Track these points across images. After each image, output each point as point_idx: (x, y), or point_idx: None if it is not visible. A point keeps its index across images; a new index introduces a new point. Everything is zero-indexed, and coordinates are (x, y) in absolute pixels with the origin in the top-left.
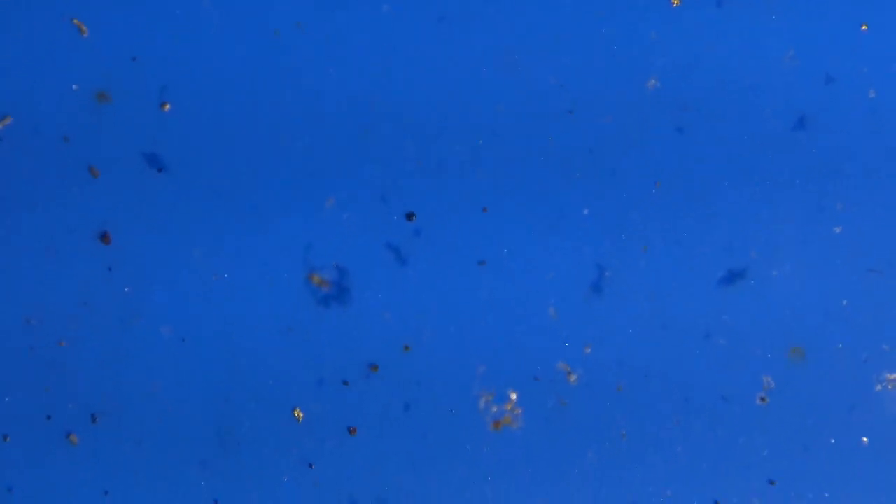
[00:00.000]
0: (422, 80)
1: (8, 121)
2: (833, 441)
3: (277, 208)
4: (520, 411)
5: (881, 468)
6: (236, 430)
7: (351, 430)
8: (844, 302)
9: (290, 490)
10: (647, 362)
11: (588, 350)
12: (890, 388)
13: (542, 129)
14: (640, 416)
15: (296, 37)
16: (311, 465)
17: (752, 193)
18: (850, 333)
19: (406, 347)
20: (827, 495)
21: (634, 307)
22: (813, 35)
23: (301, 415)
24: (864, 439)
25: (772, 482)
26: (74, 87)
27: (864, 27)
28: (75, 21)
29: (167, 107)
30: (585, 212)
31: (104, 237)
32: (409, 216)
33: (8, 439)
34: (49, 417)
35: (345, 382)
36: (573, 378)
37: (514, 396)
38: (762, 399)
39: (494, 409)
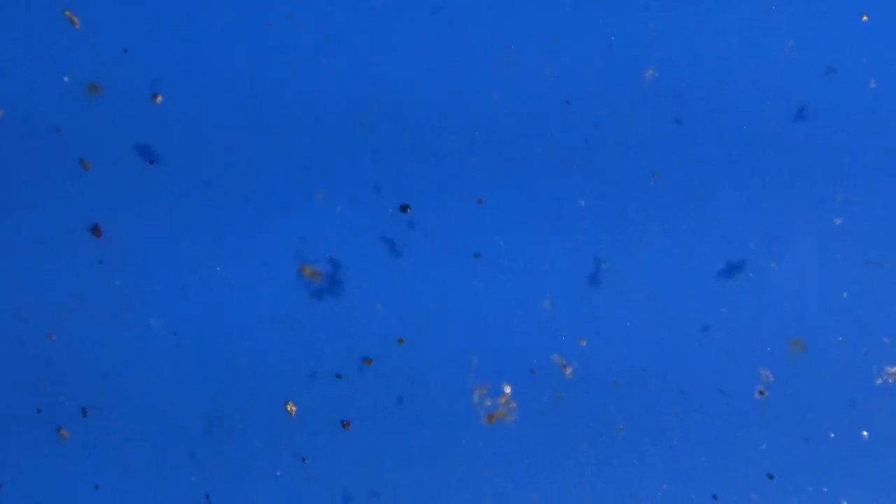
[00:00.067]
0: (416, 71)
1: None
2: (833, 435)
3: (270, 200)
4: (514, 405)
5: (881, 462)
6: (228, 423)
7: (344, 424)
8: (844, 294)
9: (283, 484)
10: (644, 356)
11: (584, 343)
12: (890, 381)
13: (539, 120)
14: (637, 410)
15: (289, 28)
16: (304, 460)
17: (751, 185)
18: (850, 326)
19: (400, 340)
20: (826, 490)
21: (631, 300)
22: (813, 26)
23: (294, 408)
24: (865, 433)
25: (771, 476)
26: (66, 79)
27: (864, 17)
28: (67, 13)
29: (159, 99)
30: (582, 203)
31: (95, 230)
32: (404, 208)
33: None
34: (39, 411)
35: (338, 376)
36: (568, 371)
37: (508, 390)
38: (761, 393)
39: (488, 402)
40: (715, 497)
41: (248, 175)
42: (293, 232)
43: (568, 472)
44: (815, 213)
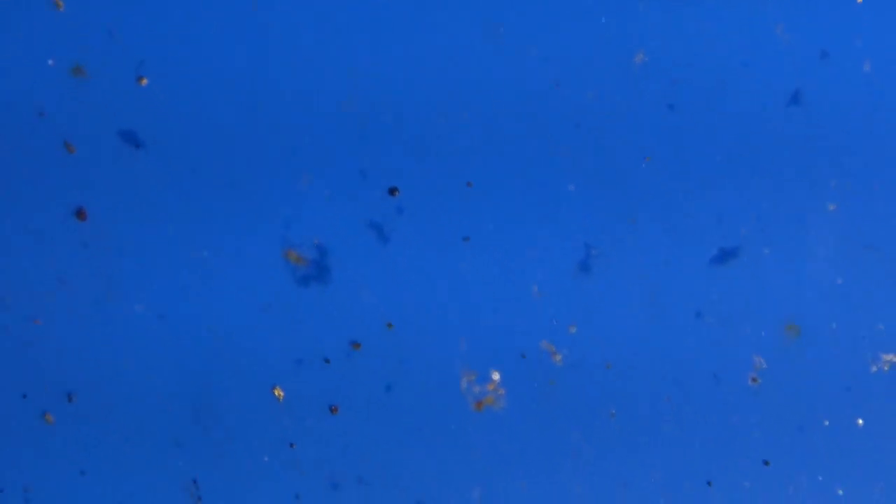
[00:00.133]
0: (403, 52)
1: None
2: (827, 423)
3: (256, 184)
4: (503, 392)
5: (876, 450)
6: (215, 409)
7: (332, 409)
8: (839, 281)
9: (271, 470)
10: (636, 343)
11: (573, 329)
12: (886, 368)
13: (528, 102)
14: (629, 398)
15: (273, 10)
16: (291, 445)
17: (744, 171)
18: (844, 313)
19: (389, 325)
20: (821, 478)
21: (622, 286)
22: (807, 8)
23: (281, 394)
24: (860, 421)
25: (766, 462)
26: (50, 61)
27: (858, 0)
28: None
29: (144, 82)
30: (572, 188)
31: (80, 213)
32: (392, 191)
33: None
34: (24, 396)
35: (326, 360)
36: (558, 358)
37: (496, 377)
38: (754, 380)
39: (477, 389)
40: (709, 483)
41: (233, 159)
42: (279, 217)
43: (558, 460)
44: (809, 198)
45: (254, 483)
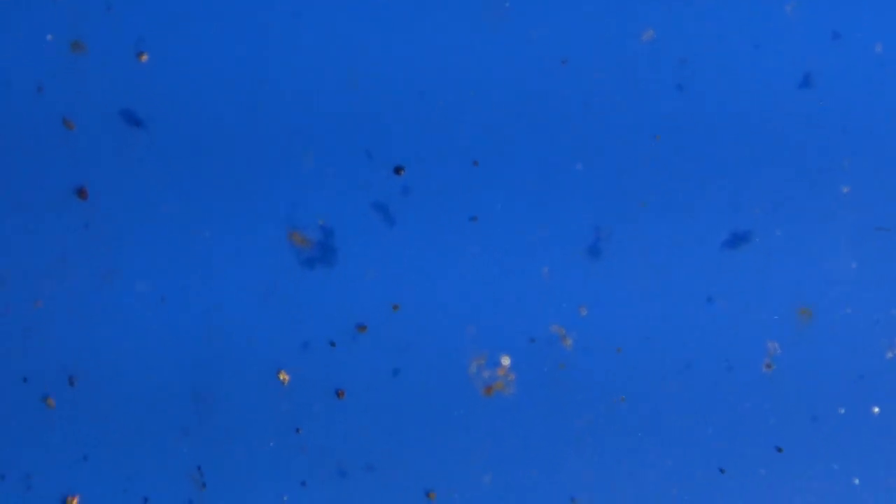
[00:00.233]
0: (409, 29)
1: None
2: (842, 410)
3: (260, 164)
4: (513, 377)
5: (892, 439)
6: (219, 393)
7: (339, 394)
8: (853, 265)
9: (277, 455)
10: (646, 327)
11: (584, 312)
12: None
13: (535, 79)
14: (640, 384)
15: None
16: (297, 430)
17: (756, 152)
18: (859, 297)
19: (395, 307)
20: (836, 467)
21: (632, 268)
22: None
23: (287, 378)
24: (875, 409)
25: (779, 449)
26: (49, 36)
27: None
28: None
29: (144, 57)
30: (579, 166)
31: (81, 192)
32: (398, 170)
33: None
34: (25, 380)
35: (332, 343)
36: (568, 342)
37: (506, 362)
38: (768, 366)
39: (486, 374)
40: (722, 471)
41: (236, 137)
42: (283, 197)
43: (569, 446)
44: (822, 181)
45: (259, 469)
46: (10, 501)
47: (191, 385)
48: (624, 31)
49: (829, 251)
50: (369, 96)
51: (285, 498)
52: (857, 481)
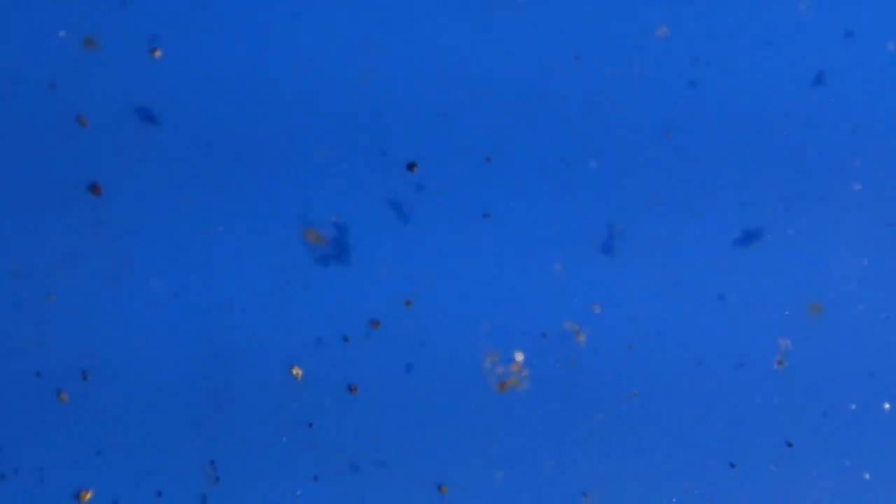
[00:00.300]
0: (422, 25)
1: None
2: (853, 406)
3: (273, 161)
4: (526, 373)
5: None
6: (232, 388)
7: (352, 389)
8: (865, 261)
9: (289, 450)
10: (658, 323)
11: (597, 309)
12: None
13: (548, 76)
14: (652, 380)
15: None
16: (310, 425)
17: (768, 150)
18: (870, 293)
19: (408, 303)
20: (847, 462)
21: (644, 265)
22: None
23: (300, 373)
24: (886, 405)
25: (789, 444)
26: (62, 33)
27: None
28: None
29: (158, 54)
30: (593, 163)
31: (94, 188)
32: (411, 166)
33: None
34: (38, 374)
35: (345, 339)
36: (581, 338)
37: (520, 358)
38: (779, 362)
39: (500, 370)
40: (732, 465)
41: (249, 133)
42: (297, 194)
43: (581, 442)
44: (833, 178)
45: (272, 463)
46: (23, 495)
47: (204, 380)
48: (638, 28)
49: (841, 248)
50: (382, 94)
51: (298, 492)
52: (867, 476)
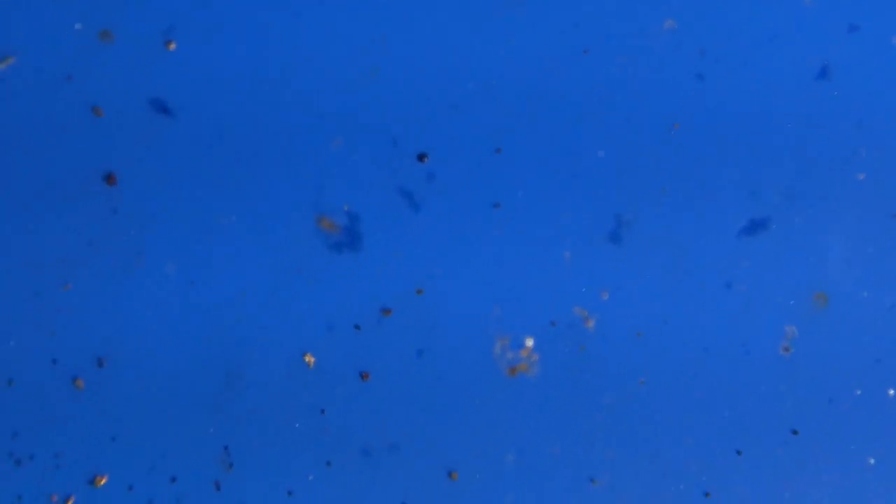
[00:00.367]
0: (432, 17)
1: (11, 61)
2: (859, 392)
3: (285, 151)
4: (536, 357)
5: None
6: (246, 375)
7: (363, 376)
8: (870, 250)
9: (302, 436)
10: (665, 312)
11: (605, 296)
12: None
13: (557, 69)
14: (659, 366)
15: None
16: (322, 412)
17: (773, 140)
18: (874, 281)
19: (419, 291)
20: (852, 447)
21: (652, 253)
22: None
23: (312, 360)
24: (891, 391)
25: (795, 431)
26: (77, 26)
27: None
28: None
29: (172, 46)
30: (601, 153)
31: (109, 178)
32: (421, 157)
33: (13, 384)
34: (54, 362)
35: (357, 327)
36: (590, 323)
37: (530, 343)
38: (785, 349)
39: (510, 355)
40: (739, 453)
41: (262, 123)
42: (310, 183)
43: (589, 428)
44: (839, 168)
45: (285, 449)
46: (39, 481)
47: (218, 367)
48: (645, 22)
49: (845, 237)
50: (394, 86)
51: (310, 477)
52: (872, 461)
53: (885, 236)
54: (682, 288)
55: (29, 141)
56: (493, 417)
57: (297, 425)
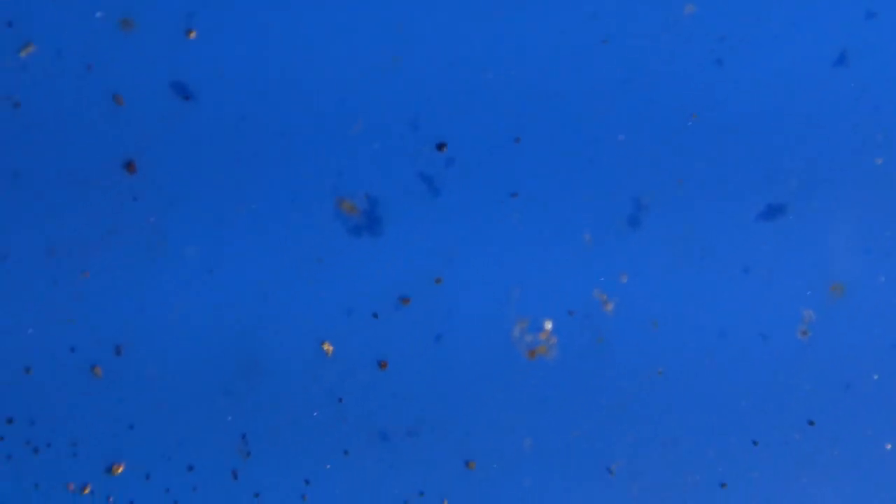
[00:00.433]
0: (453, 6)
1: (31, 49)
2: (876, 377)
3: (306, 138)
4: (555, 340)
5: None
6: (264, 363)
7: (381, 364)
8: (887, 234)
9: (320, 424)
10: (683, 298)
11: (624, 279)
12: None
13: (576, 58)
14: (676, 352)
15: None
16: (340, 400)
17: (792, 126)
18: (892, 266)
19: (438, 280)
20: (869, 433)
21: (670, 240)
22: None
23: (330, 348)
24: None
25: (811, 422)
26: (98, 14)
27: None
28: None
29: (193, 34)
30: (621, 137)
31: (129, 166)
32: (441, 146)
33: (31, 372)
34: (73, 349)
35: (375, 315)
36: (609, 307)
37: (549, 326)
38: (803, 333)
39: (529, 337)
40: (755, 443)
41: (283, 110)
42: (330, 168)
43: (606, 417)
44: (857, 154)
45: (302, 437)
46: (56, 469)
47: (236, 356)
48: (665, 7)
49: (863, 223)
50: (413, 74)
51: (328, 466)
52: (889, 446)
53: None
54: (700, 272)
55: (49, 129)
56: (512, 402)
57: (315, 414)
